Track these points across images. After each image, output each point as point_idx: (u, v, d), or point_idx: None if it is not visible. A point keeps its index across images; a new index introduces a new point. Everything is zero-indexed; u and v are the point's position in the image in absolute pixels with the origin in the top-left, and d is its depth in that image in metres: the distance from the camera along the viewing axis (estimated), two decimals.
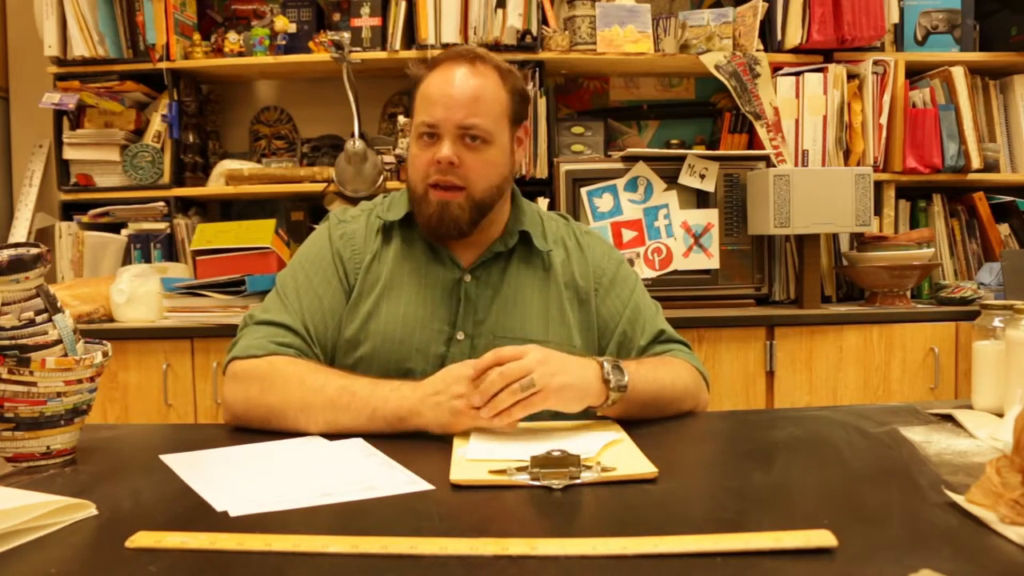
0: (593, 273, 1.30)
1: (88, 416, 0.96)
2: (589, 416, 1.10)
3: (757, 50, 2.48)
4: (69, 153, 2.50)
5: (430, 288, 1.23)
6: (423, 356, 1.19)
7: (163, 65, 2.44)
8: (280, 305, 1.20)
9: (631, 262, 2.32)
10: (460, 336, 1.21)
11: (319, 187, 2.45)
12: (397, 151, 2.45)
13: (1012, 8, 2.60)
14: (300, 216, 2.61)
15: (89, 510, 0.73)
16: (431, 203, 1.19)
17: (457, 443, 0.96)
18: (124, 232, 2.49)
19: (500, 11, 2.43)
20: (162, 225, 2.48)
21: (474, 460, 0.88)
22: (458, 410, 0.99)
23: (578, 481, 0.80)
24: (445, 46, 2.43)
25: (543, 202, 2.42)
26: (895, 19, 2.52)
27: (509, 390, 0.96)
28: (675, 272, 2.34)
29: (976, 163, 2.49)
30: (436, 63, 1.23)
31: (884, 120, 2.47)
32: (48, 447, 0.91)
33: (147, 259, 2.46)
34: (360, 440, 0.99)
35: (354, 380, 1.08)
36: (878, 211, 2.51)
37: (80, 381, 0.91)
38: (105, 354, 0.95)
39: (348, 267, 1.24)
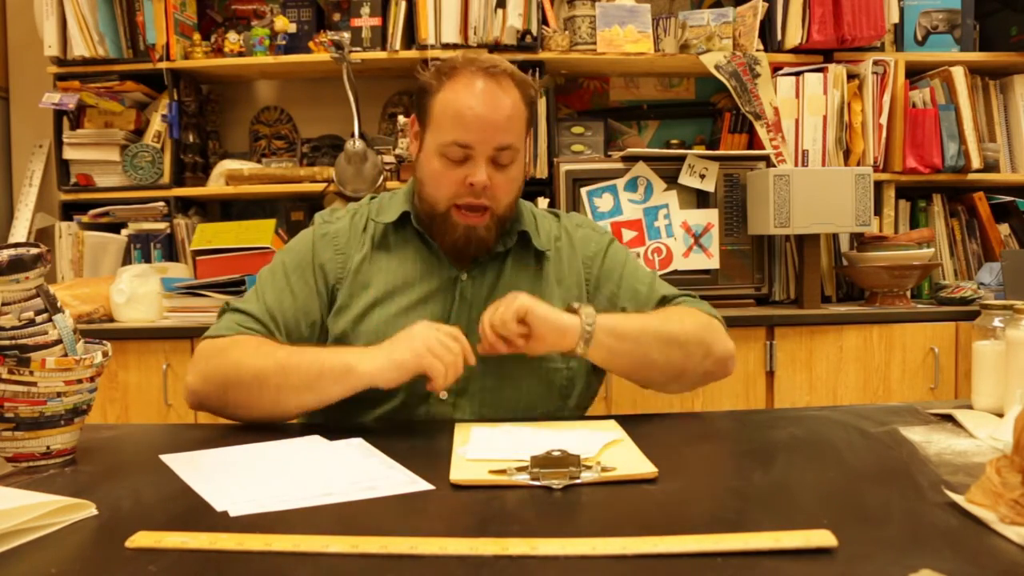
0: (584, 266, 1.29)
1: (88, 416, 0.96)
2: (588, 416, 1.11)
3: (757, 50, 2.48)
4: (69, 153, 2.50)
5: (425, 286, 1.22)
6: None
7: (163, 65, 2.44)
8: (254, 296, 1.22)
9: None
10: None
11: (319, 187, 2.45)
12: (397, 151, 2.45)
13: (1012, 8, 2.60)
14: (300, 216, 2.61)
15: (89, 510, 0.73)
16: (457, 225, 1.19)
17: (457, 443, 0.96)
18: (124, 232, 2.49)
19: (500, 11, 2.43)
20: (162, 225, 2.48)
21: (474, 460, 0.88)
22: (424, 349, 1.02)
23: (578, 481, 0.80)
24: (445, 46, 2.43)
25: (543, 202, 2.42)
26: (895, 19, 2.52)
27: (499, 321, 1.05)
28: (675, 272, 2.34)
29: (976, 163, 2.49)
30: (453, 73, 1.18)
31: (884, 120, 2.47)
32: (48, 447, 0.91)
33: (147, 259, 2.46)
34: (360, 440, 0.99)
35: (306, 346, 1.12)
36: (878, 211, 2.51)
37: (80, 381, 0.91)
38: (105, 354, 0.95)
39: (329, 269, 1.23)
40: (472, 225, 1.18)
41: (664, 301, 1.27)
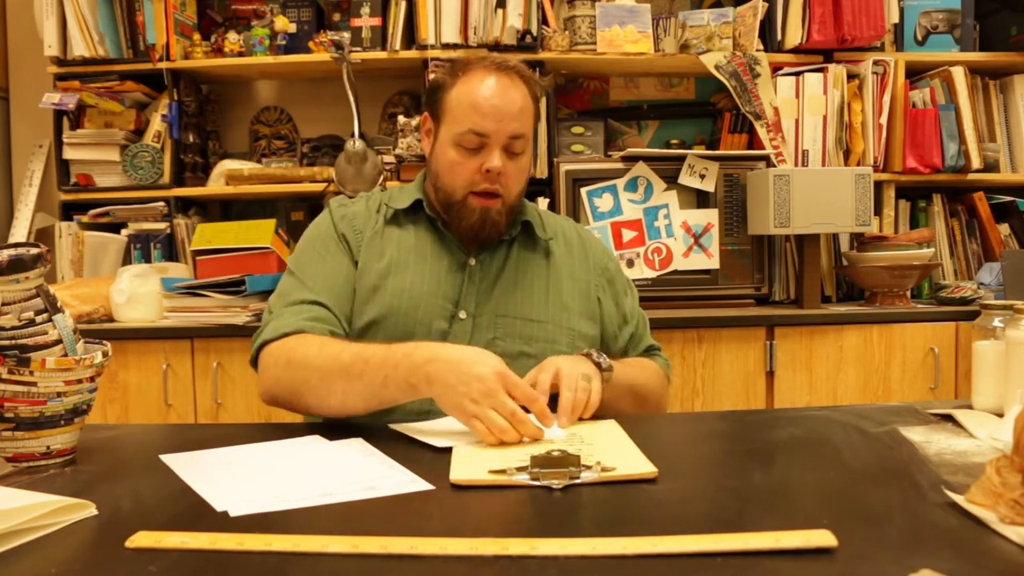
0: (594, 268, 1.38)
1: (88, 416, 0.96)
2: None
3: (757, 50, 2.48)
4: (69, 153, 2.50)
5: (436, 267, 1.28)
6: (426, 329, 1.23)
7: (163, 65, 2.44)
8: (299, 285, 1.24)
9: (631, 262, 2.33)
10: (463, 315, 1.26)
11: (319, 187, 2.45)
12: (397, 151, 2.45)
13: (1012, 8, 2.60)
14: (300, 216, 2.61)
15: (89, 510, 0.73)
16: (473, 209, 1.25)
17: (457, 443, 0.96)
18: (124, 232, 2.49)
19: (500, 11, 2.43)
20: (162, 225, 2.48)
21: (473, 460, 0.88)
22: (463, 411, 0.96)
23: (578, 481, 0.80)
24: (445, 46, 2.43)
25: (543, 202, 2.42)
26: (895, 19, 2.52)
27: (578, 399, 1.06)
28: (675, 272, 2.34)
29: (976, 163, 2.49)
30: (467, 70, 1.26)
31: (884, 120, 2.47)
32: (48, 447, 0.91)
33: (147, 259, 2.46)
34: (360, 440, 0.99)
35: (368, 347, 1.10)
36: (878, 211, 2.51)
37: (80, 381, 0.91)
38: (105, 354, 0.95)
39: (352, 243, 1.29)
40: (487, 207, 1.24)
41: (650, 348, 1.41)
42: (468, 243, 1.30)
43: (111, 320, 2.22)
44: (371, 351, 1.07)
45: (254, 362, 1.21)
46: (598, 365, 1.15)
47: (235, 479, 0.84)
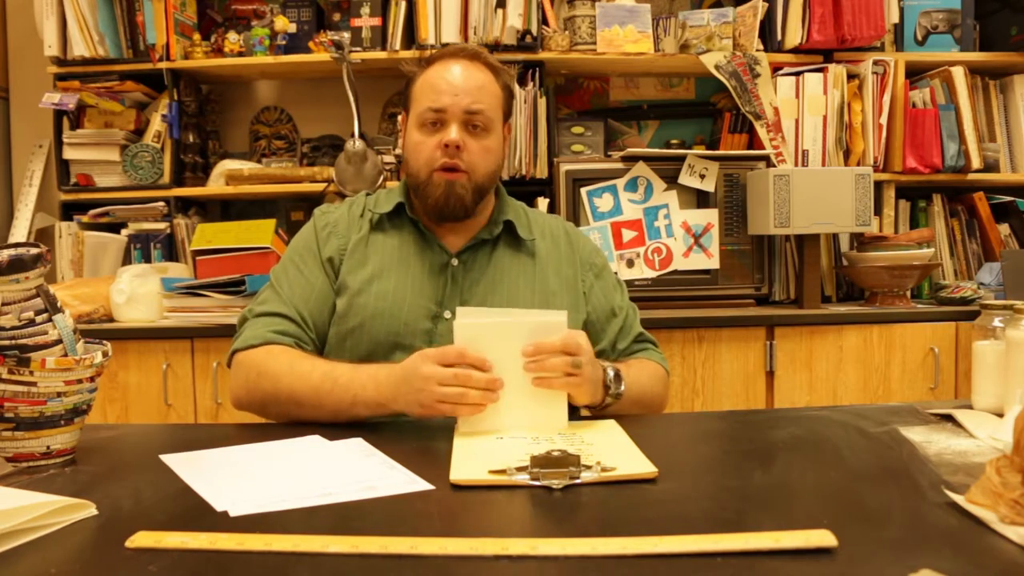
0: (581, 264, 1.38)
1: (88, 416, 0.96)
2: (589, 416, 1.12)
3: (757, 50, 2.48)
4: (69, 153, 2.50)
5: (419, 270, 1.29)
6: (411, 331, 1.24)
7: (163, 65, 2.44)
8: (275, 296, 1.28)
9: (631, 262, 2.33)
10: (447, 315, 1.26)
11: (319, 187, 2.45)
12: (397, 151, 2.45)
13: (1012, 8, 2.60)
14: (300, 216, 2.61)
15: (89, 510, 0.73)
16: (438, 185, 1.26)
17: (457, 443, 0.96)
18: (124, 232, 2.49)
19: (500, 11, 2.43)
20: (162, 225, 2.48)
21: (473, 460, 0.88)
22: (425, 405, 1.01)
23: (578, 481, 0.80)
24: (445, 46, 2.43)
25: (543, 202, 2.42)
26: (895, 19, 2.52)
27: (562, 359, 1.02)
28: (675, 272, 2.34)
29: (976, 163, 2.49)
30: (433, 59, 1.30)
31: (884, 120, 2.47)
32: (48, 447, 0.91)
33: (147, 259, 2.46)
34: (360, 440, 0.99)
35: (336, 367, 1.15)
36: (878, 211, 2.51)
37: (80, 381, 0.91)
38: (105, 354, 0.95)
39: (334, 253, 1.30)
40: (451, 180, 1.25)
41: (639, 337, 1.38)
42: (435, 221, 1.30)
43: (111, 320, 2.22)
44: (339, 371, 1.13)
45: (230, 365, 1.26)
46: (606, 388, 1.13)
47: (235, 479, 0.84)
